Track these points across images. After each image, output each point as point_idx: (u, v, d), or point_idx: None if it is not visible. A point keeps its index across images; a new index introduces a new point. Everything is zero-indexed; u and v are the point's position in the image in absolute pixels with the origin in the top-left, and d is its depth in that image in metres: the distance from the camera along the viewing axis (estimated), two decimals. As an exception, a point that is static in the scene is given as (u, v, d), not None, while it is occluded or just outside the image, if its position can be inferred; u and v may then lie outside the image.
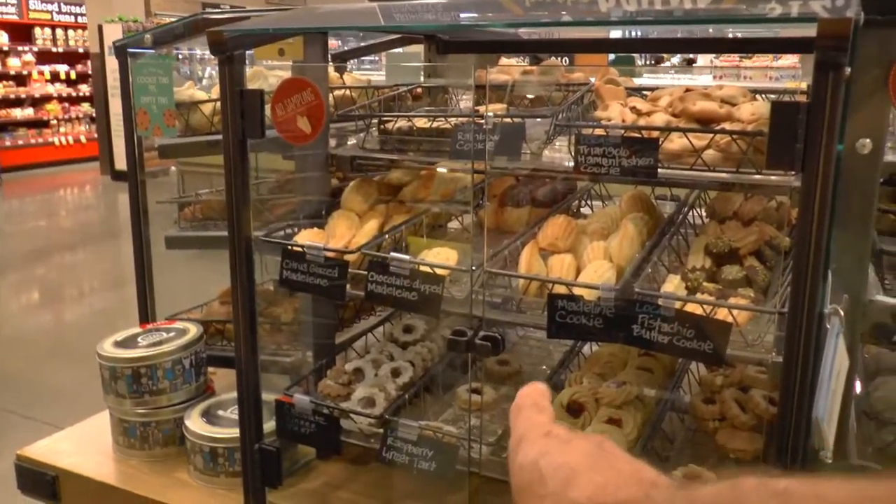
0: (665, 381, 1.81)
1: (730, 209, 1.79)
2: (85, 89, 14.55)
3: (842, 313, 1.34)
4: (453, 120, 1.81)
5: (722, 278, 1.50)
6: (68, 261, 9.07)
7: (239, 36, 1.57)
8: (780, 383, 1.23)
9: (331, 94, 2.19)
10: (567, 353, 2.02)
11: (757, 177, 1.47)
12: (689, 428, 1.72)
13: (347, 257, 1.69)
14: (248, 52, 1.85)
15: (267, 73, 2.16)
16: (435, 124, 1.88)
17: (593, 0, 1.45)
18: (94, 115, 13.84)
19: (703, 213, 1.88)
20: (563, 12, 1.45)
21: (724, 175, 1.50)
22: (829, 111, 1.12)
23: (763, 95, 1.87)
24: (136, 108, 2.12)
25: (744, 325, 1.38)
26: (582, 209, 2.09)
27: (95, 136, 13.48)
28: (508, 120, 1.74)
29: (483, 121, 1.64)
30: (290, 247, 1.71)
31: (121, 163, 12.14)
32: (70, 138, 14.37)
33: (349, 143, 2.04)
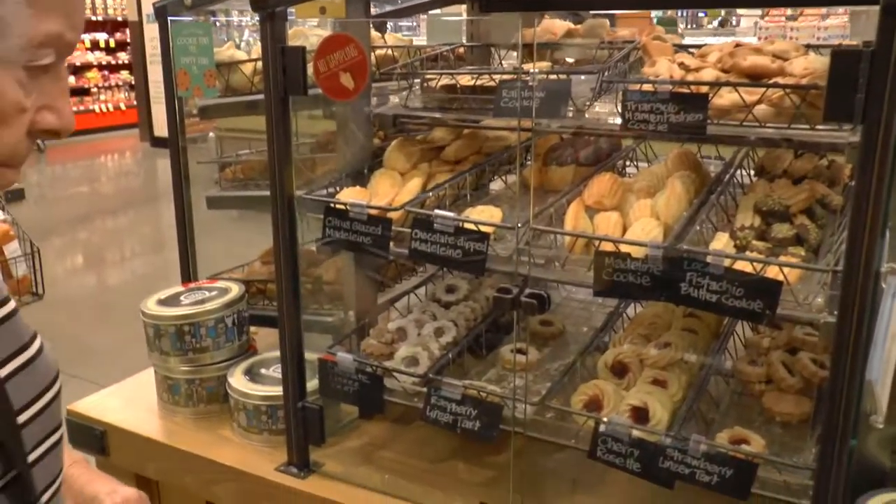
0: (710, 342, 1.78)
1: (780, 167, 1.75)
2: (124, 57, 14.65)
3: (899, 272, 1.30)
4: (498, 77, 1.78)
5: (772, 237, 1.46)
6: (110, 225, 9.22)
7: (281, -9, 1.55)
8: (833, 344, 1.20)
9: (372, 54, 2.17)
10: (610, 314, 2.00)
11: (810, 132, 1.42)
12: (735, 391, 1.70)
13: (391, 215, 1.68)
14: (289, 10, 1.84)
15: (308, 32, 2.14)
16: (479, 82, 1.85)
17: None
18: (133, 82, 13.96)
19: (752, 173, 1.84)
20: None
21: (775, 131, 1.46)
22: (894, 59, 1.08)
23: (818, 50, 1.81)
24: (177, 69, 2.12)
25: (794, 283, 1.35)
26: (627, 169, 2.06)
27: (135, 103, 13.61)
28: (554, 77, 1.71)
29: (529, 78, 1.62)
30: (333, 204, 1.70)
31: (160, 129, 12.25)
32: (110, 105, 14.51)
33: (392, 101, 2.02)
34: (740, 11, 8.01)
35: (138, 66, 12.90)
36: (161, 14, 2.26)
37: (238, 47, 2.38)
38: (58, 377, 0.98)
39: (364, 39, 1.90)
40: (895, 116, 1.10)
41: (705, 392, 1.64)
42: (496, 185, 2.12)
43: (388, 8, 2.65)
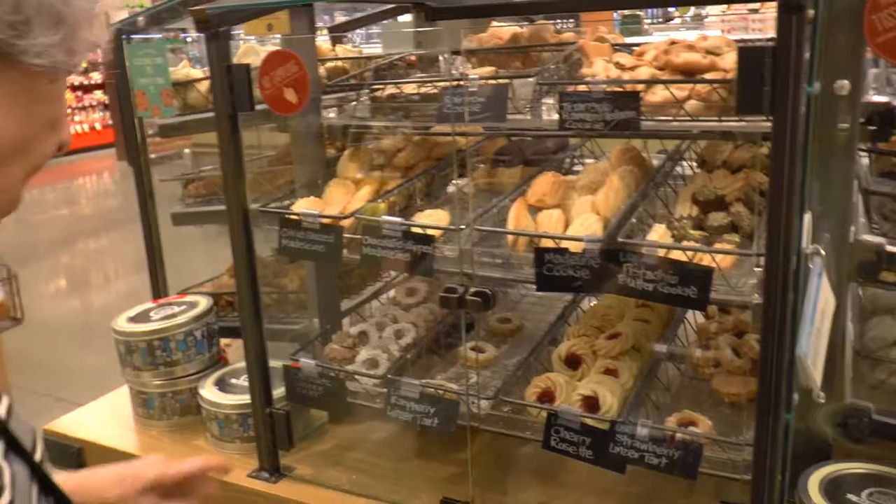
0: (662, 331, 1.84)
1: (719, 158, 1.81)
2: (96, 77, 14.63)
3: (823, 253, 1.36)
4: (442, 85, 1.83)
5: (708, 225, 1.52)
6: (91, 246, 9.22)
7: (222, 12, 1.60)
8: (761, 323, 1.26)
9: (323, 67, 2.22)
10: (566, 307, 2.06)
11: (735, 124, 1.48)
12: (687, 375, 1.76)
13: (343, 222, 1.73)
14: (237, 28, 1.89)
15: (259, 49, 2.19)
16: (423, 90, 1.91)
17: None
18: (107, 101, 13.94)
19: (694, 164, 1.90)
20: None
21: (704, 124, 1.52)
22: (794, 54, 1.14)
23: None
24: (134, 89, 2.17)
25: (728, 269, 1.41)
26: (574, 166, 2.11)
27: (110, 122, 13.58)
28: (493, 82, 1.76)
29: (468, 85, 1.67)
30: (286, 215, 1.75)
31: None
32: (85, 126, 14.48)
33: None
34: (709, 8, 8.11)
35: (111, 85, 12.88)
36: (116, 37, 2.31)
37: (200, 60, 2.43)
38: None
39: (310, 54, 1.95)
40: (800, 107, 1.16)
41: (655, 378, 1.70)
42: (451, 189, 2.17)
43: (342, 18, 2.70)
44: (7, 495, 0.83)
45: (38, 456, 0.97)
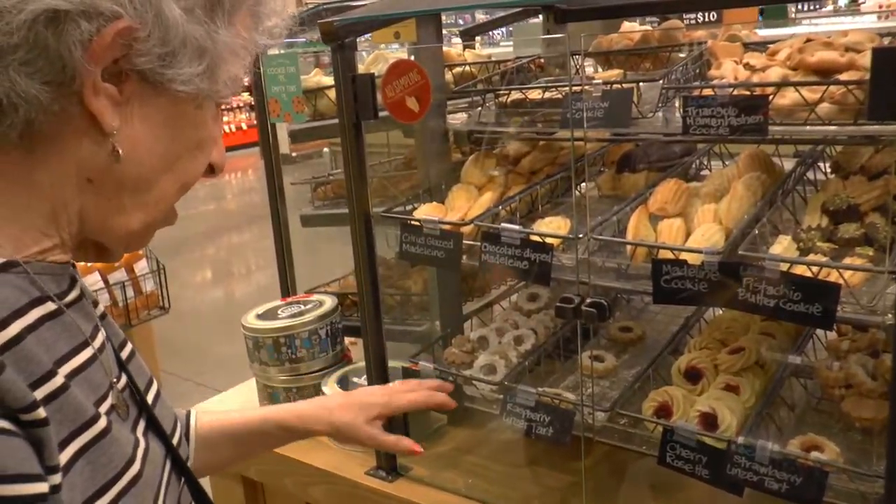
0: (788, 346, 1.76)
1: (856, 163, 1.70)
2: (244, 80, 15.37)
3: (968, 271, 1.27)
4: (564, 89, 1.81)
5: (838, 237, 1.44)
6: (235, 240, 9.70)
7: (349, 24, 1.65)
8: (893, 347, 1.18)
9: (450, 71, 2.24)
10: (689, 317, 2.00)
11: (874, 127, 1.40)
12: (814, 396, 1.67)
13: (463, 229, 1.75)
14: (366, 36, 1.94)
15: (388, 55, 2.24)
16: (547, 95, 1.90)
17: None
18: (252, 103, 14.61)
19: (828, 169, 1.80)
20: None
21: (837, 128, 1.44)
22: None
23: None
24: (268, 97, 2.26)
25: (859, 285, 1.32)
26: (702, 171, 2.05)
27: (255, 122, 14.22)
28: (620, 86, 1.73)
29: (592, 88, 1.65)
30: (407, 221, 1.79)
31: (282, 146, 12.76)
32: (232, 126, 15.26)
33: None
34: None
35: (258, 88, 13.48)
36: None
37: (328, 73, 2.50)
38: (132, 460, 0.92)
39: (435, 61, 1.98)
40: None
41: (779, 397, 1.62)
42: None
43: (483, 18, 2.72)
44: (137, 466, 0.91)
45: (175, 440, 1.08)
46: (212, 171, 1.00)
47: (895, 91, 1.10)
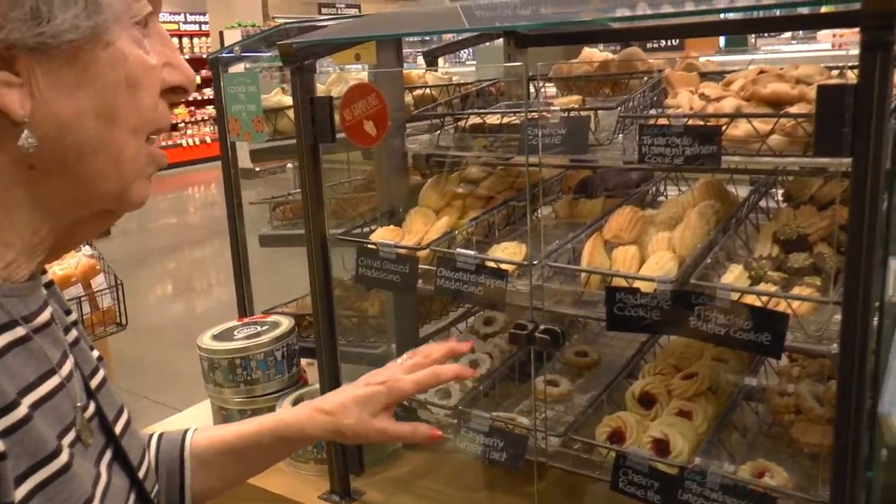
0: (741, 371, 1.78)
1: (806, 193, 1.74)
2: (209, 92, 15.29)
3: (910, 302, 1.29)
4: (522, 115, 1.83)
5: (788, 266, 1.46)
6: (196, 255, 9.60)
7: (308, 46, 1.65)
8: (837, 376, 1.20)
9: (410, 94, 2.25)
10: (644, 343, 2.01)
11: (821, 159, 1.42)
12: (765, 421, 1.69)
13: (419, 253, 1.75)
14: (324, 59, 1.94)
15: (349, 77, 2.24)
16: (506, 119, 1.90)
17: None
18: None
19: (781, 198, 1.84)
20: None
21: (787, 160, 1.46)
22: (878, 93, 1.08)
23: (853, 70, 1.79)
24: (228, 115, 2.25)
25: (806, 315, 1.35)
26: (659, 197, 2.07)
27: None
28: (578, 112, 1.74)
29: (549, 115, 1.66)
30: (364, 244, 1.78)
31: (243, 161, 12.70)
32: (196, 139, 15.15)
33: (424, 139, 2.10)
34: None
35: (220, 102, 13.43)
36: (214, 64, 2.40)
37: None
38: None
39: (395, 84, 1.98)
40: (884, 147, 1.11)
41: (730, 423, 1.64)
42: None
43: (432, 46, 2.73)
44: None
45: (142, 472, 1.02)
46: (182, 90, 0.91)
47: (839, 127, 1.13)
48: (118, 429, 0.99)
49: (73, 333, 1.00)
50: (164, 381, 5.44)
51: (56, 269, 4.08)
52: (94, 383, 0.99)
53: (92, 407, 0.95)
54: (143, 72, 0.85)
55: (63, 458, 0.82)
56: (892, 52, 1.08)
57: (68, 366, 0.91)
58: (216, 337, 2.18)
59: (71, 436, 0.87)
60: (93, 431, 0.92)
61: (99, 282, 4.28)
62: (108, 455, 0.95)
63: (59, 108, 0.80)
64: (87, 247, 4.79)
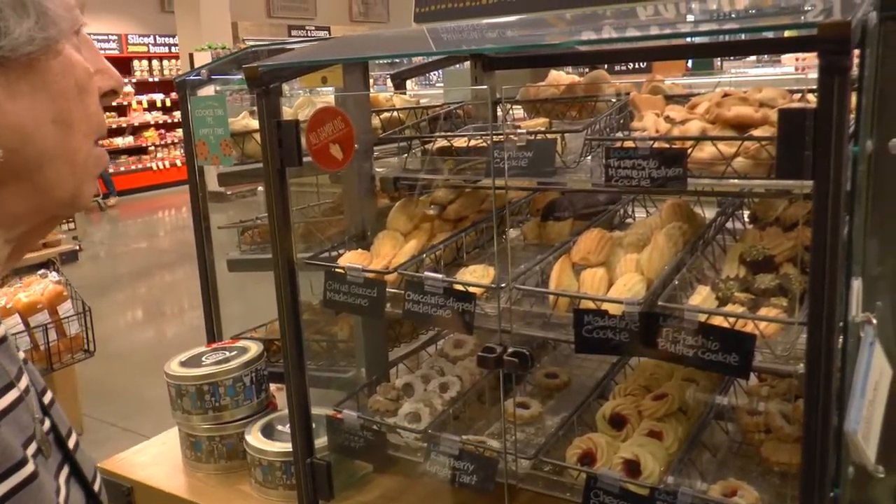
0: (711, 390, 1.78)
1: (772, 214, 1.76)
2: (178, 115, 15.23)
3: (874, 321, 1.30)
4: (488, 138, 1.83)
5: (755, 287, 1.47)
6: (167, 279, 9.49)
7: (274, 70, 1.64)
8: (804, 395, 1.21)
9: (378, 117, 2.25)
10: (614, 364, 2.01)
11: (785, 181, 1.44)
12: (735, 440, 1.70)
13: (387, 277, 1.74)
14: (293, 81, 1.93)
15: (316, 100, 2.24)
16: (473, 142, 1.91)
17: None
18: (188, 139, 14.48)
19: (747, 219, 1.85)
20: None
21: (752, 182, 1.48)
22: (836, 116, 1.10)
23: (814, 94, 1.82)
24: (196, 139, 2.23)
25: (773, 336, 1.35)
26: (627, 219, 2.08)
27: (190, 159, 14.08)
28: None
29: (516, 138, 1.67)
30: (332, 269, 1.77)
31: (213, 184, 12.64)
32: (166, 163, 15.05)
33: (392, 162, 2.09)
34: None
35: (187, 125, 13.39)
36: (181, 88, 2.39)
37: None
38: None
39: (362, 107, 1.98)
40: (844, 170, 1.12)
41: (701, 443, 1.64)
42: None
43: (401, 68, 2.74)
44: None
45: (96, 487, 1.04)
46: (113, 93, 0.94)
47: (800, 150, 1.14)
48: (71, 444, 1.01)
49: (21, 354, 1.00)
50: (133, 408, 5.36)
51: (21, 297, 4.01)
52: (46, 400, 1.00)
53: (48, 422, 0.96)
54: (87, 78, 0.88)
55: (30, 467, 0.82)
56: (849, 76, 1.10)
57: (25, 380, 0.92)
58: (184, 363, 2.15)
59: (33, 447, 0.87)
60: (50, 445, 0.93)
61: (66, 308, 4.21)
62: (66, 470, 0.96)
63: (19, 118, 0.82)
64: (55, 273, 4.73)
